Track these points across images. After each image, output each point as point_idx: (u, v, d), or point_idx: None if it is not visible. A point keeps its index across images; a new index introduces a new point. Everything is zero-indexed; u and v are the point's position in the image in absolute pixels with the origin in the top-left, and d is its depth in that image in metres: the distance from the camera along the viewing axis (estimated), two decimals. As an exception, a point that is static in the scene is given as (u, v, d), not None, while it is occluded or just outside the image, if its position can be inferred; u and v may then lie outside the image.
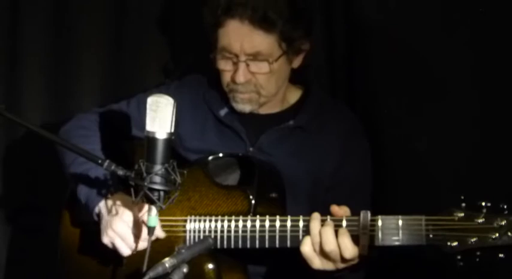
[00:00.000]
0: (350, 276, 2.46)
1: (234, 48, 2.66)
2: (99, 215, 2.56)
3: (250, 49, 2.65)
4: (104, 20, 3.34)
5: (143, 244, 2.45)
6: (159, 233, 2.51)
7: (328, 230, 2.36)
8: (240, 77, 2.67)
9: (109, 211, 2.52)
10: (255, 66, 2.68)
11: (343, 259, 2.36)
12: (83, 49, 3.34)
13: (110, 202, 2.53)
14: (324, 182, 2.75)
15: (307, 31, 2.74)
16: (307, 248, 2.39)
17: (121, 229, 2.48)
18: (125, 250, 2.49)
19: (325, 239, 2.36)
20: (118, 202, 2.51)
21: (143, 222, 2.44)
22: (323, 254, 2.38)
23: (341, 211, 2.41)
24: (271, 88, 2.73)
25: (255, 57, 2.67)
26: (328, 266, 2.39)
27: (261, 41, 2.65)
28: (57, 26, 3.34)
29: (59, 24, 3.34)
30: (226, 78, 2.73)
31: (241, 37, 2.65)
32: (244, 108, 2.75)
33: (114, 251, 2.54)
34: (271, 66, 2.67)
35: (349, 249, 2.35)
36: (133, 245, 2.48)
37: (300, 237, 2.43)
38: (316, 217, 2.40)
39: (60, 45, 3.35)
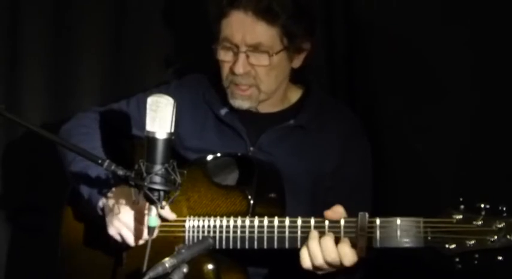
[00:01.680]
0: (348, 278, 2.47)
1: (235, 39, 2.67)
2: (103, 209, 2.56)
3: (251, 40, 2.66)
4: (104, 20, 3.34)
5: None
6: (169, 214, 2.52)
7: (329, 243, 2.37)
8: (240, 68, 2.68)
9: (113, 204, 2.52)
10: (255, 58, 2.69)
11: (342, 264, 2.37)
12: (83, 49, 3.34)
13: (113, 195, 2.53)
14: (324, 181, 2.74)
15: (309, 30, 2.75)
16: (308, 265, 2.39)
17: (127, 219, 2.48)
18: (132, 240, 2.50)
19: (327, 253, 2.36)
20: (121, 195, 2.51)
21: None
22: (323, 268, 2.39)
23: (335, 215, 2.40)
24: (270, 83, 2.73)
25: (256, 48, 2.67)
26: (329, 270, 2.41)
27: (263, 32, 2.67)
28: (57, 26, 3.34)
29: (59, 24, 3.34)
30: (226, 69, 2.73)
31: (243, 28, 2.67)
32: (243, 104, 2.75)
33: (115, 249, 2.56)
34: (270, 59, 2.68)
35: (349, 256, 2.35)
36: (139, 234, 2.49)
37: (299, 238, 2.43)
38: (314, 236, 2.39)
39: (60, 45, 3.35)
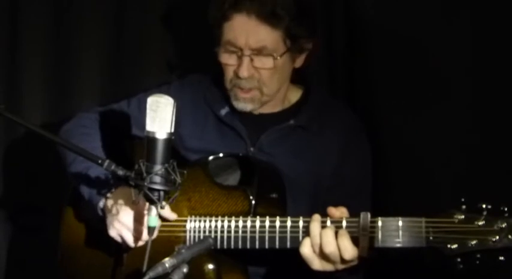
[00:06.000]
0: (349, 278, 2.46)
1: (239, 42, 2.66)
2: (103, 210, 2.56)
3: (255, 44, 2.66)
4: (104, 20, 3.34)
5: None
6: (169, 214, 2.52)
7: (329, 232, 2.36)
8: (244, 71, 2.67)
9: (113, 205, 2.51)
10: (259, 61, 2.68)
11: (343, 260, 2.37)
12: (83, 49, 3.34)
13: (113, 196, 2.53)
14: (324, 181, 2.75)
15: (311, 30, 2.75)
16: (306, 249, 2.39)
17: (127, 220, 2.48)
18: (132, 241, 2.50)
19: (325, 240, 2.36)
20: (122, 195, 2.51)
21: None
22: (323, 255, 2.38)
23: (338, 212, 2.41)
24: (273, 86, 2.73)
25: (260, 52, 2.67)
26: (328, 267, 2.40)
27: (266, 35, 2.66)
28: (57, 26, 3.34)
29: (59, 24, 3.34)
30: (230, 72, 2.72)
31: (247, 31, 2.66)
32: (246, 106, 2.75)
33: (115, 249, 2.56)
34: (275, 62, 2.68)
35: (349, 251, 2.35)
36: (139, 235, 2.48)
37: (300, 238, 2.43)
38: (316, 218, 2.40)
39: (60, 45, 3.35)
